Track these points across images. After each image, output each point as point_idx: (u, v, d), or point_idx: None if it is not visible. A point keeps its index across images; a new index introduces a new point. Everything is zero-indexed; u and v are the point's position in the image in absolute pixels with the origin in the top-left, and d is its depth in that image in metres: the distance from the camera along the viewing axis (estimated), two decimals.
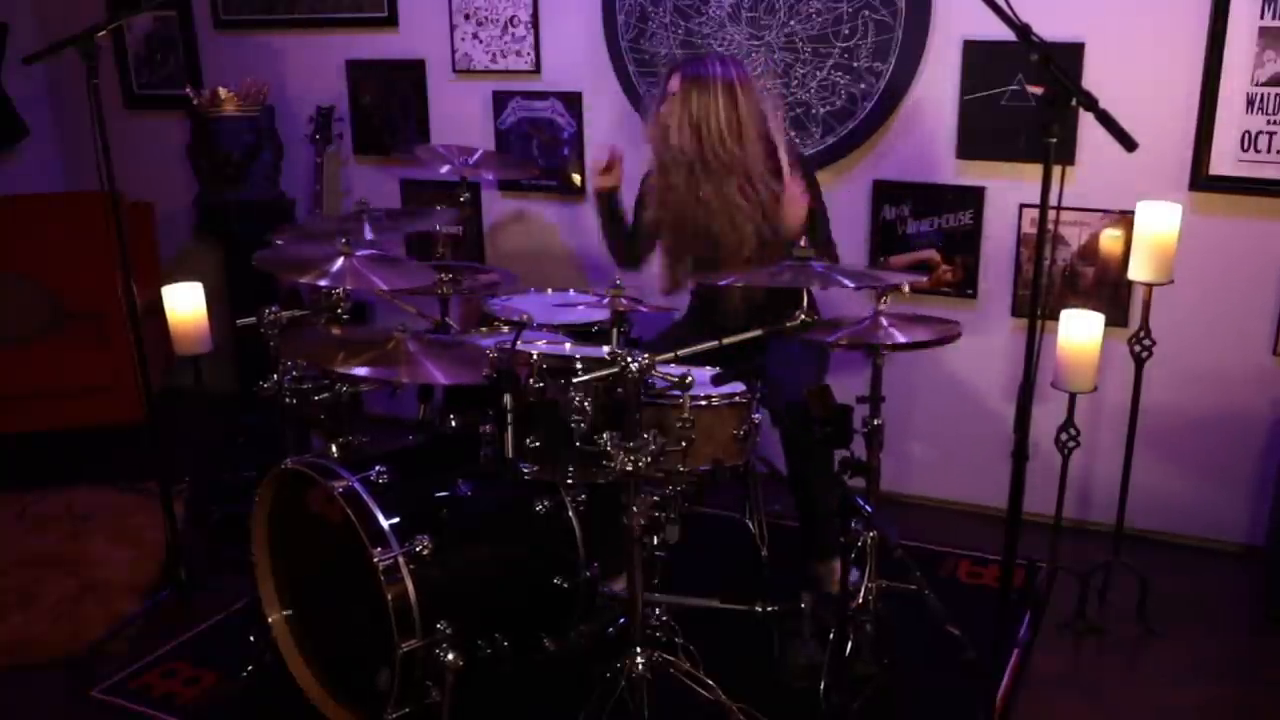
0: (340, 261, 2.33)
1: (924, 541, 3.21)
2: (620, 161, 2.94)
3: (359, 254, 2.36)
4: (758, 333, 2.33)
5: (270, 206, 3.96)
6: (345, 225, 2.78)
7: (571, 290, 3.13)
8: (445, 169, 3.24)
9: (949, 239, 3.27)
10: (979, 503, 3.43)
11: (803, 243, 2.32)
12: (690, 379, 2.10)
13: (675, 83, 2.73)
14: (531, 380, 2.16)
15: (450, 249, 3.91)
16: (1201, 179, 2.94)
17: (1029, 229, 3.17)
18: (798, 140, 3.31)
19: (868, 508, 2.11)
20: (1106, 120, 1.74)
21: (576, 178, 3.73)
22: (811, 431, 2.12)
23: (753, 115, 2.73)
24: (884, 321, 2.34)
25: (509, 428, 2.22)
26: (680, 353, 2.20)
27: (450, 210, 3.11)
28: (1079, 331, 2.61)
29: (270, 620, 2.44)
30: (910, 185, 3.27)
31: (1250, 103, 2.84)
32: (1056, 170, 1.80)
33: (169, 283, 3.04)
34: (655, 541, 2.32)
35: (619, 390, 2.05)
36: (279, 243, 2.82)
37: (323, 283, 2.29)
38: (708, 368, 2.31)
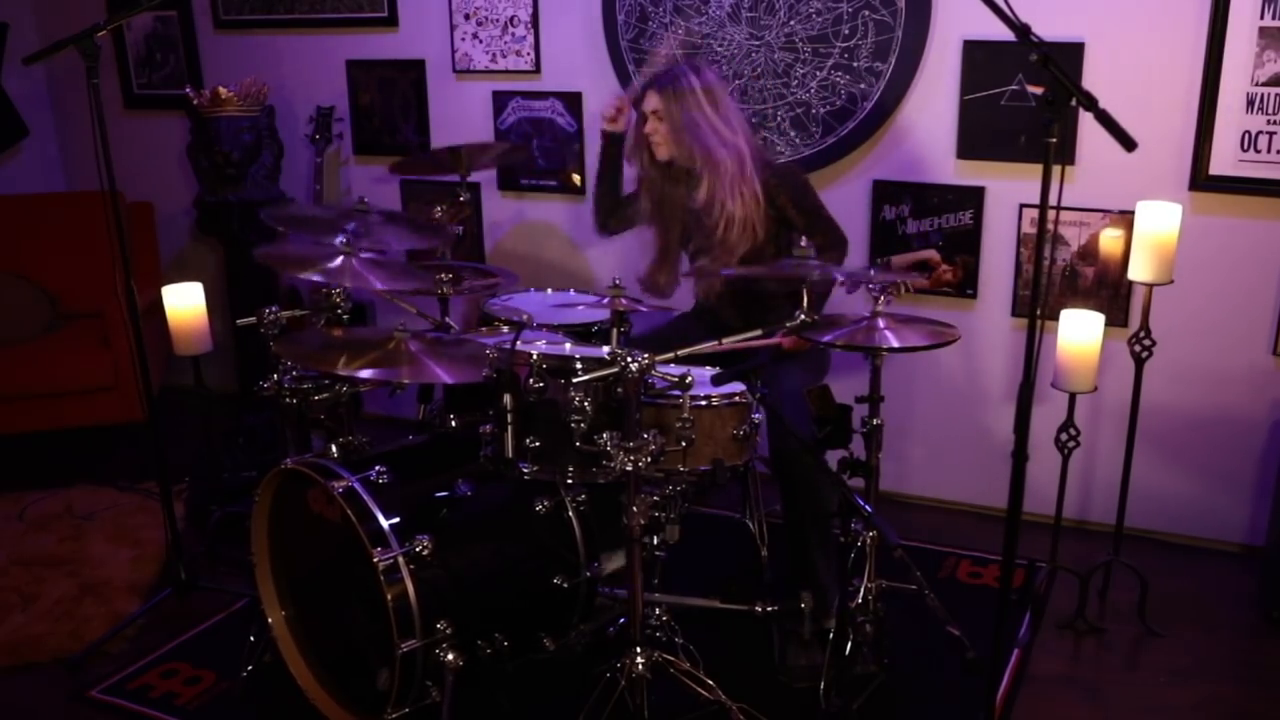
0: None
1: (924, 541, 3.21)
2: (627, 110, 2.96)
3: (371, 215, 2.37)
4: (757, 332, 2.33)
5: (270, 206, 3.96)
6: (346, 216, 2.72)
7: (571, 290, 3.13)
8: None
9: (949, 239, 3.27)
10: (979, 503, 3.43)
11: (803, 242, 2.32)
12: (690, 379, 2.10)
13: (652, 101, 2.72)
14: (531, 380, 2.16)
15: (450, 249, 3.92)
16: (1201, 179, 2.94)
17: (1029, 229, 3.17)
18: (796, 140, 3.32)
19: (867, 508, 2.11)
20: (1106, 120, 1.74)
21: (576, 178, 3.73)
22: (810, 432, 2.12)
23: (732, 111, 2.74)
24: (880, 324, 2.34)
25: (509, 428, 2.22)
26: (680, 353, 2.20)
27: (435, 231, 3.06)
28: (1079, 331, 2.61)
29: (270, 620, 2.44)
30: (910, 185, 3.27)
31: (1250, 103, 2.84)
32: (1056, 170, 1.80)
33: (169, 283, 3.04)
34: (655, 541, 2.32)
35: (619, 390, 2.05)
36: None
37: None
38: (707, 367, 2.30)
